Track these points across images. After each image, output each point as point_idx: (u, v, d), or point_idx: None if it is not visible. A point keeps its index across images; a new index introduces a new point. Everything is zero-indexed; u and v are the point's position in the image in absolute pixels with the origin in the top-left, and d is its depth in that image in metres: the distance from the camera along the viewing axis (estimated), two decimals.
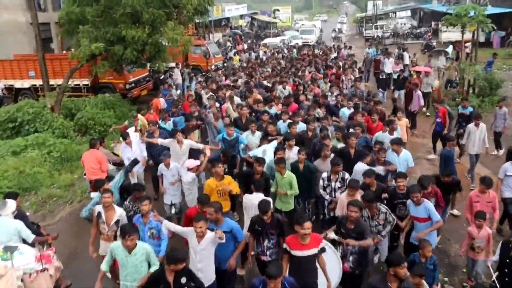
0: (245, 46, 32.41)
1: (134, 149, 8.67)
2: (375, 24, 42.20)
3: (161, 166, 7.60)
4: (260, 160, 7.07)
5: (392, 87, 16.63)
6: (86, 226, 7.00)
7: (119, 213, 5.98)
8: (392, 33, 40.62)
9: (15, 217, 5.98)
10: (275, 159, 7.19)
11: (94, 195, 7.56)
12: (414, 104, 12.79)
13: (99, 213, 5.97)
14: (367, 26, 43.83)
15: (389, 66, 18.58)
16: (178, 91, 16.44)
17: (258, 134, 8.82)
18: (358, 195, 6.15)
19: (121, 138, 8.95)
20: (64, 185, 10.24)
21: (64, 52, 18.57)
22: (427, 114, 14.59)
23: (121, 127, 11.83)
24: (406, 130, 9.67)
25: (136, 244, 4.98)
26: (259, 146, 8.32)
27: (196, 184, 7.61)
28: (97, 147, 8.40)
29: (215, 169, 6.68)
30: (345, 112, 10.24)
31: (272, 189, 7.23)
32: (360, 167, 7.08)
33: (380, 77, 15.97)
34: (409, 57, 21.49)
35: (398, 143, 7.65)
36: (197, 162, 7.56)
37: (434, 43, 29.99)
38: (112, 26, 13.38)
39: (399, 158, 7.50)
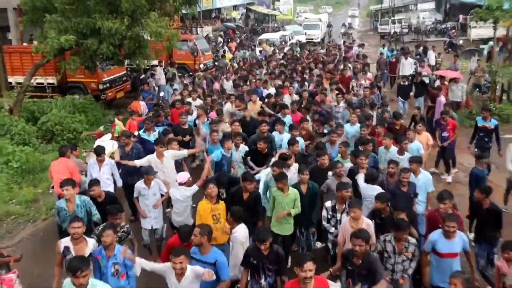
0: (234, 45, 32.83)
1: (104, 171, 8.47)
2: (392, 18, 42.88)
3: (139, 185, 7.66)
4: (248, 177, 7.14)
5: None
6: (53, 248, 7.12)
7: (92, 245, 5.89)
8: (412, 29, 41.29)
9: None
10: (275, 175, 7.27)
11: None
12: (437, 113, 13.12)
13: (66, 248, 5.83)
14: (382, 21, 44.57)
15: (407, 68, 18.98)
16: (161, 94, 16.68)
17: (243, 149, 9.04)
18: (363, 222, 6.24)
19: (94, 153, 8.83)
20: (25, 201, 10.39)
21: (25, 44, 18.76)
22: None
23: (94, 133, 12.04)
24: (427, 146, 9.84)
25: (88, 282, 4.80)
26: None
27: (191, 202, 7.69)
28: (68, 156, 8.59)
29: (206, 190, 6.81)
30: (348, 129, 10.25)
31: (268, 212, 7.35)
32: (369, 190, 7.22)
33: (402, 83, 16.08)
34: (435, 57, 21.94)
35: (417, 162, 7.76)
36: (188, 175, 7.72)
37: (460, 41, 30.54)
38: (85, 16, 13.70)
39: (417, 181, 7.59)
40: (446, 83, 15.03)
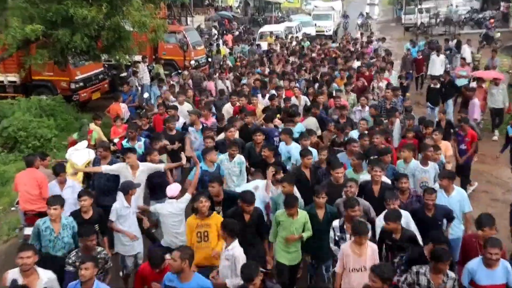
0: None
1: (66, 195, 8.06)
2: (419, 7, 43.18)
3: (118, 206, 7.68)
4: (248, 198, 7.13)
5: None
6: None
7: (46, 278, 5.91)
8: (443, 19, 41.63)
9: None
10: (284, 201, 7.21)
11: (30, 231, 7.88)
12: (470, 118, 13.24)
13: (14, 281, 5.78)
14: (407, 9, 44.92)
15: (438, 67, 19.09)
16: (145, 95, 16.87)
17: (239, 159, 9.15)
18: (367, 247, 6.29)
19: (52, 172, 8.69)
20: None
21: None
22: (494, 138, 14.82)
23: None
24: (450, 154, 10.01)
25: None
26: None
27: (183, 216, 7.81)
28: (37, 166, 8.72)
29: (197, 204, 6.96)
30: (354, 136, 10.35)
31: (271, 238, 7.42)
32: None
33: (432, 85, 15.89)
34: (471, 52, 22.03)
35: (449, 177, 7.84)
36: (179, 186, 7.88)
37: (498, 34, 30.79)
38: (55, 3, 13.88)
39: (449, 200, 7.68)
40: (484, 85, 15.11)
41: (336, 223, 7.12)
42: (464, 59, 19.21)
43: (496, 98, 14.72)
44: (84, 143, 10.78)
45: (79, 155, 10.15)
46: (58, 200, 7.06)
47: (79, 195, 7.46)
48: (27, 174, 8.66)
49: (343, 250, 6.50)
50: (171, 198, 7.63)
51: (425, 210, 7.30)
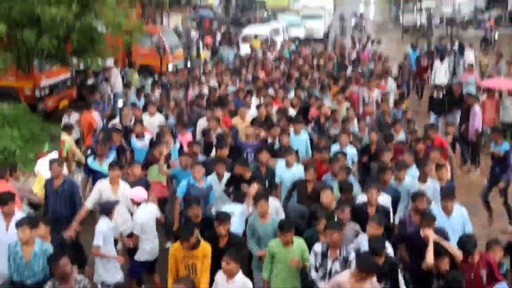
0: (218, 38, 33.49)
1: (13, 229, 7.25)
2: (419, 6, 43.92)
3: (104, 228, 7.78)
4: (222, 218, 7.32)
5: None
6: None
7: None
8: (445, 20, 42.50)
9: None
10: (280, 228, 7.15)
11: None
12: (471, 127, 13.71)
13: None
14: (405, 9, 45.75)
15: (442, 74, 19.28)
16: (120, 103, 17.11)
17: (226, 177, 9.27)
18: (370, 283, 6.34)
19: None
20: None
21: None
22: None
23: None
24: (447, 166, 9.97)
25: None
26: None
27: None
28: (6, 179, 8.94)
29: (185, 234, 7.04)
30: (353, 153, 10.57)
31: (265, 275, 7.40)
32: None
33: (435, 95, 16.10)
34: (475, 57, 22.46)
35: (451, 197, 8.04)
36: (145, 194, 8.17)
37: (496, 35, 31.56)
38: (19, 0, 14.26)
39: (450, 220, 7.90)
40: (496, 96, 15.33)
41: (318, 247, 7.11)
42: (471, 65, 19.38)
43: (510, 111, 14.94)
44: (55, 154, 11.10)
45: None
46: (25, 221, 6.96)
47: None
48: None
49: (341, 283, 6.43)
50: (134, 203, 8.01)
51: (421, 236, 7.34)
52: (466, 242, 6.89)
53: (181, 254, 7.04)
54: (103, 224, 7.82)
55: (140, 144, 11.26)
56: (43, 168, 10.41)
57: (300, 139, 11.37)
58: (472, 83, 17.75)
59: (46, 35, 14.19)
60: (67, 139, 11.77)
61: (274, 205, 8.39)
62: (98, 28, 15.38)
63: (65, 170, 10.26)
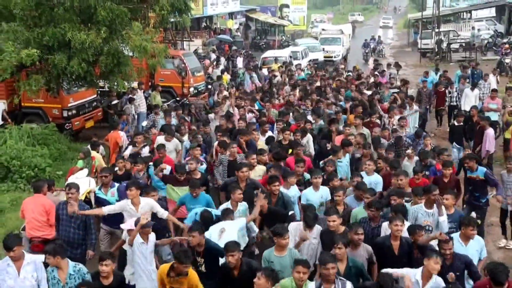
0: (240, 63, 34.14)
1: (25, 275, 7.49)
2: (437, 30, 44.43)
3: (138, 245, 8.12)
4: (231, 248, 7.26)
5: None
6: None
7: None
8: (463, 44, 42.89)
9: None
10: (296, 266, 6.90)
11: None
12: (483, 149, 14.17)
13: None
14: (424, 33, 46.38)
15: (472, 101, 18.82)
16: (144, 123, 17.81)
17: (243, 207, 9.31)
18: None
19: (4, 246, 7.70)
20: None
21: None
22: None
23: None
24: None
25: None
26: None
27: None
28: (44, 192, 9.65)
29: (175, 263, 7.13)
30: (372, 180, 10.56)
31: None
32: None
33: (456, 123, 15.83)
34: (497, 82, 22.16)
35: (472, 224, 8.08)
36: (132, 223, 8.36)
37: (507, 60, 31.90)
38: (51, 26, 15.11)
39: (467, 249, 7.91)
40: None
41: (311, 285, 6.96)
42: (495, 90, 18.94)
43: None
44: (85, 171, 11.81)
45: (79, 184, 11.16)
46: (57, 251, 7.32)
47: (101, 258, 7.24)
48: (34, 200, 9.56)
49: None
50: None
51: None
52: (498, 272, 6.68)
53: (166, 279, 7.16)
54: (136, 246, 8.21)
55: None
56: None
57: (342, 164, 11.69)
58: (494, 109, 17.69)
59: (76, 59, 14.93)
60: (97, 156, 12.53)
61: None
62: (125, 52, 16.16)
63: (93, 186, 10.95)
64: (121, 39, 15.78)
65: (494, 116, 17.15)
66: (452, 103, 19.87)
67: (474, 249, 7.98)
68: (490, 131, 14.38)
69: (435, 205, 8.81)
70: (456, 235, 8.16)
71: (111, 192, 10.27)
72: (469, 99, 19.11)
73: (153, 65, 17.37)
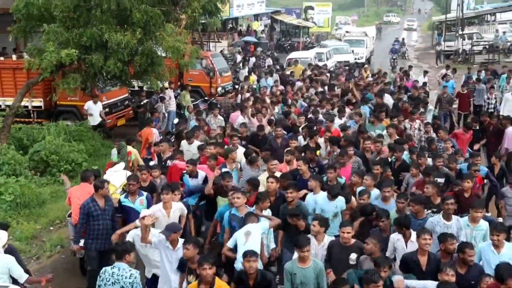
0: (268, 63, 34.49)
1: None
2: (461, 32, 44.70)
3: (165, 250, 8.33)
4: (249, 255, 7.32)
5: None
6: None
7: None
8: (487, 46, 43.22)
9: (5, 252, 7.99)
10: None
11: (83, 243, 9.58)
12: (503, 146, 14.58)
13: None
14: (448, 35, 46.66)
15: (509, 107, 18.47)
16: (176, 121, 18.46)
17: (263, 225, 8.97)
18: None
19: None
20: (25, 237, 12.27)
21: (14, 57, 20.89)
22: None
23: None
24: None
25: None
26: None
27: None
28: (90, 182, 10.34)
29: (199, 270, 7.04)
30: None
31: None
32: None
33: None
34: None
35: (504, 230, 8.18)
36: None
37: None
38: (89, 27, 15.82)
39: (500, 258, 7.82)
40: None
41: None
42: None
43: None
44: (122, 164, 12.50)
45: (117, 176, 11.80)
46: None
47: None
48: (80, 188, 10.38)
49: None
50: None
51: (456, 266, 7.52)
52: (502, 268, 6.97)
53: None
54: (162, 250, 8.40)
55: (194, 183, 11.14)
56: (112, 177, 11.66)
57: None
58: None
59: (112, 59, 15.58)
60: (133, 151, 13.22)
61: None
62: (158, 52, 16.81)
63: None
64: (155, 40, 16.33)
65: None
66: (490, 109, 19.71)
67: (508, 257, 7.73)
68: (510, 130, 14.75)
69: (453, 216, 8.89)
70: (488, 244, 8.21)
71: (139, 200, 10.10)
72: (510, 104, 18.73)
73: (185, 65, 17.99)
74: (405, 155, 12.33)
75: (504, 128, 14.98)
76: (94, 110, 19.00)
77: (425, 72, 26.81)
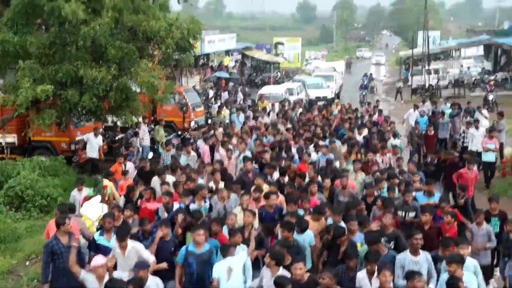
0: (240, 97, 35.04)
1: None
2: (427, 68, 45.76)
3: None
4: None
5: None
6: None
7: None
8: (453, 81, 44.37)
9: None
10: None
11: None
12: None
13: None
14: (415, 70, 47.81)
15: (479, 141, 18.43)
16: (150, 155, 18.66)
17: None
18: None
19: None
20: (0, 272, 12.25)
21: None
22: None
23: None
24: None
25: None
26: None
27: None
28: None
29: None
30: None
31: None
32: None
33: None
34: (486, 118, 22.08)
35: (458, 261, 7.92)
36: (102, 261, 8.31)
37: (491, 96, 32.81)
38: (65, 63, 16.09)
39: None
40: None
41: None
42: (493, 129, 18.82)
43: None
44: (98, 197, 12.67)
45: (93, 209, 11.99)
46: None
47: None
48: None
49: None
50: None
51: None
52: None
53: None
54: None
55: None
56: (88, 210, 11.88)
57: None
58: (492, 149, 17.79)
59: (88, 94, 15.82)
60: (109, 184, 13.39)
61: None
62: (133, 87, 17.15)
63: (106, 210, 11.72)
64: (130, 76, 16.65)
65: (491, 157, 17.78)
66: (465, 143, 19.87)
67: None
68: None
69: (421, 252, 8.71)
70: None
71: (114, 238, 9.69)
72: (477, 139, 19.00)
73: (159, 100, 18.33)
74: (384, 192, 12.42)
75: (463, 164, 15.04)
76: (94, 143, 19.24)
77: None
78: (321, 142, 16.96)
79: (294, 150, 16.33)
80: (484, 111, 22.91)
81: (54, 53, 16.36)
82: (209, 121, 26.02)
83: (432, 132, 20.68)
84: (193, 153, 16.63)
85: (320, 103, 30.15)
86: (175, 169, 14.19)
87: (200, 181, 13.31)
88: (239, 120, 23.80)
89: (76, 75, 15.86)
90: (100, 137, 19.50)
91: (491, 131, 18.35)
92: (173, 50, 17.78)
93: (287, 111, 24.87)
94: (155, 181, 13.45)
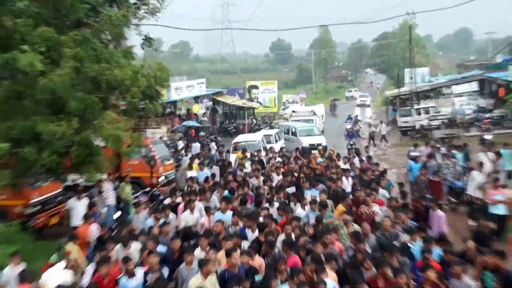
0: (213, 148, 35.17)
1: None
2: (416, 107, 46.45)
3: None
4: None
5: None
6: None
7: None
8: (445, 121, 45.12)
9: None
10: None
11: None
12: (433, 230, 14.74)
13: None
14: (403, 110, 48.53)
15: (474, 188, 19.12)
16: (116, 215, 18.79)
17: None
18: None
19: None
20: None
21: None
22: None
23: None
24: None
25: None
26: None
27: None
28: (30, 282, 10.66)
29: None
30: None
31: None
32: None
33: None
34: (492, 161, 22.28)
35: None
36: None
37: (485, 136, 33.78)
38: (21, 119, 16.18)
39: None
40: None
41: None
42: (498, 179, 18.95)
43: None
44: (62, 264, 12.77)
45: (56, 277, 12.04)
46: None
47: None
48: None
49: None
50: None
51: None
52: None
53: None
54: None
55: (133, 283, 11.74)
56: (50, 279, 11.93)
57: None
58: (502, 200, 17.64)
59: (47, 151, 15.84)
60: (74, 248, 13.48)
61: None
62: (96, 141, 17.23)
63: (70, 278, 11.92)
64: (93, 129, 16.77)
65: (501, 209, 17.48)
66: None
67: None
68: (436, 214, 15.19)
69: None
70: None
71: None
72: (476, 183, 19.58)
73: (126, 153, 18.51)
74: None
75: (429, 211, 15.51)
76: (79, 208, 18.59)
77: None
78: (308, 196, 17.17)
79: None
80: (490, 154, 23.15)
81: (10, 108, 16.48)
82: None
83: (437, 178, 21.15)
84: (171, 215, 16.54)
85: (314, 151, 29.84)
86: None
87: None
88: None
89: (33, 131, 15.87)
90: (85, 200, 19.06)
91: (497, 180, 18.51)
92: (139, 99, 18.05)
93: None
94: (118, 250, 13.51)
